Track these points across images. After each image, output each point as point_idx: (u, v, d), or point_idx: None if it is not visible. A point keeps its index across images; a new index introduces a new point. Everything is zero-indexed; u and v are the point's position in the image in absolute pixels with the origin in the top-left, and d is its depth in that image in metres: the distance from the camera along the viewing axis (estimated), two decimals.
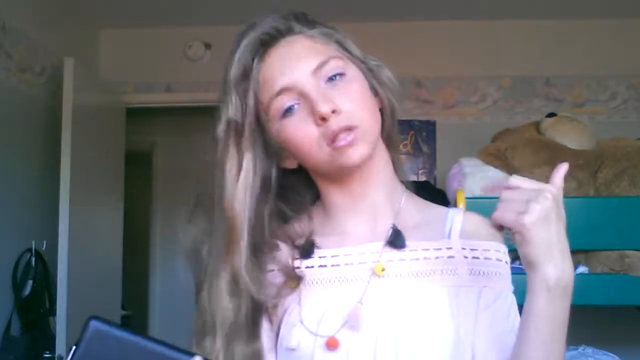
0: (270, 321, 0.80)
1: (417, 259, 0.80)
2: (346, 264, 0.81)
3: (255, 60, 0.78)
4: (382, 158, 0.84)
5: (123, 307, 3.45)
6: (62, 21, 2.96)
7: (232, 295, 0.76)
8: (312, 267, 0.82)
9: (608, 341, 2.25)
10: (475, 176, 2.05)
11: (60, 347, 2.38)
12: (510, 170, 2.16)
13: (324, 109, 0.74)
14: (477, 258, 0.81)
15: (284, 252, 0.83)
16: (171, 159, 4.46)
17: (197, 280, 0.81)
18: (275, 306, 0.80)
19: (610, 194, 2.06)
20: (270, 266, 0.80)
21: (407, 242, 0.81)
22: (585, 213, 1.97)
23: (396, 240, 0.81)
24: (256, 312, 0.78)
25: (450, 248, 0.81)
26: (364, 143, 0.77)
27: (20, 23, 2.60)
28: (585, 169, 2.13)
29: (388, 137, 0.86)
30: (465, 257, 0.81)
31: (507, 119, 3.09)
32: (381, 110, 0.85)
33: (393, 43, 3.16)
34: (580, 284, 2.07)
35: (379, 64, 0.87)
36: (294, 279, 0.79)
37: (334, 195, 0.85)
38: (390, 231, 0.81)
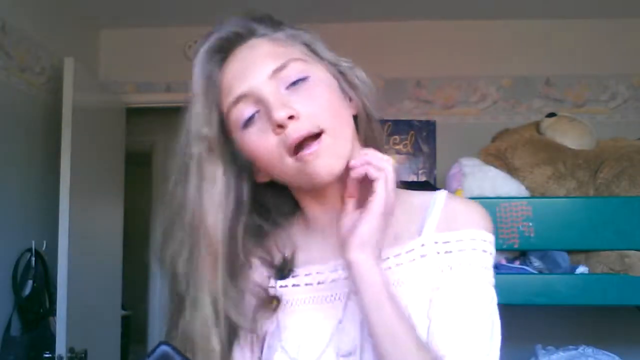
0: (252, 350, 0.75)
1: (389, 268, 0.74)
2: (319, 283, 0.76)
3: (215, 68, 0.73)
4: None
5: (123, 307, 3.45)
6: (62, 21, 2.96)
7: (213, 319, 0.71)
8: (286, 286, 0.78)
9: (608, 341, 2.25)
10: (475, 176, 2.05)
11: (60, 347, 2.38)
12: (510, 170, 2.16)
13: (280, 114, 0.67)
14: (450, 252, 0.75)
15: (261, 270, 0.79)
16: (171, 159, 4.44)
17: (173, 296, 0.76)
18: (253, 330, 0.74)
19: (610, 194, 2.06)
20: (247, 286, 0.76)
21: (383, 251, 0.73)
22: (585, 213, 1.97)
23: None
24: (232, 336, 0.73)
25: (424, 245, 0.75)
26: (332, 154, 0.70)
27: (21, 23, 2.60)
28: (585, 169, 2.13)
29: (367, 142, 0.78)
30: (437, 253, 0.75)
31: (507, 119, 3.09)
32: (356, 117, 0.78)
33: (393, 43, 3.16)
34: (580, 284, 2.07)
35: (350, 65, 0.79)
36: (271, 300, 0.76)
37: (313, 209, 0.79)
38: None
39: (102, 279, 2.88)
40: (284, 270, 0.78)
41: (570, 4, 3.02)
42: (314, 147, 0.68)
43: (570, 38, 3.15)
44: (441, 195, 0.80)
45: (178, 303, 0.73)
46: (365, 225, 0.68)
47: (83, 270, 2.57)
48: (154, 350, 0.57)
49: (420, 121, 3.17)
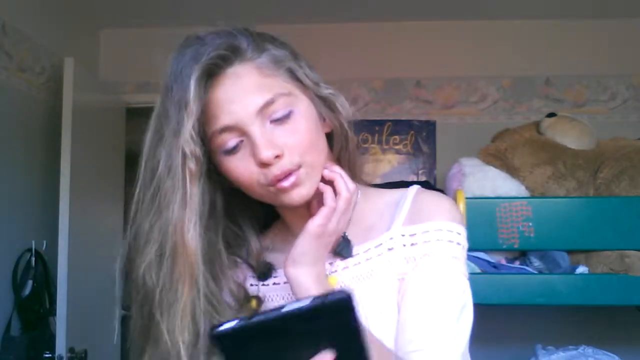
0: None
1: (359, 263, 0.80)
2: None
3: (200, 91, 0.72)
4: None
5: (123, 307, 3.45)
6: (62, 21, 2.96)
7: (191, 325, 0.72)
8: (267, 285, 0.82)
9: (608, 341, 2.25)
10: (475, 176, 2.06)
11: (60, 347, 2.38)
12: (510, 170, 2.16)
13: (267, 155, 0.72)
14: (415, 244, 0.78)
15: (240, 272, 0.82)
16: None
17: (139, 310, 0.79)
18: None
19: (610, 194, 2.06)
20: (226, 286, 0.78)
21: (355, 247, 0.80)
22: (585, 213, 1.97)
23: (343, 250, 0.80)
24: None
25: (392, 239, 0.79)
26: (307, 183, 0.75)
27: (20, 23, 2.60)
28: (585, 169, 2.13)
29: (340, 154, 0.83)
30: (404, 245, 0.78)
31: (507, 119, 3.09)
32: (330, 134, 0.81)
33: (393, 43, 3.16)
34: (580, 284, 2.07)
35: (333, 93, 0.81)
36: (249, 299, 0.78)
37: (290, 218, 0.85)
38: (341, 240, 0.80)
39: (102, 279, 2.87)
40: (264, 270, 0.82)
41: (570, 4, 3.02)
42: (292, 178, 0.74)
43: (570, 38, 3.15)
44: (412, 190, 0.84)
45: (147, 317, 0.75)
46: (299, 246, 0.75)
47: (83, 270, 2.56)
48: (333, 293, 0.53)
49: (420, 121, 3.17)
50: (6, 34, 2.50)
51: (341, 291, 0.53)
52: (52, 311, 2.50)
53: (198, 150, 0.72)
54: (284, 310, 0.53)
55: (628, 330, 2.57)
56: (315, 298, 0.52)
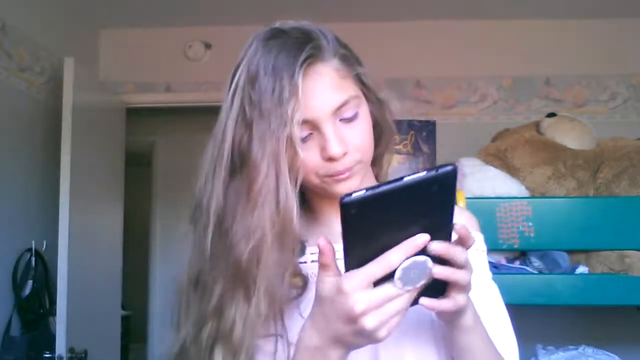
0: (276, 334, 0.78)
1: None
2: (339, 259, 0.80)
3: (294, 79, 0.75)
4: (368, 176, 0.88)
5: (123, 307, 3.45)
6: (62, 21, 2.96)
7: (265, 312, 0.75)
8: (305, 262, 0.84)
9: (608, 341, 2.25)
10: (475, 176, 2.06)
11: (60, 347, 2.38)
12: (510, 170, 2.17)
13: (337, 151, 0.77)
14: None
15: None
16: (171, 159, 4.45)
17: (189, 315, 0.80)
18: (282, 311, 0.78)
19: (610, 194, 2.06)
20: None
21: None
22: (585, 213, 1.97)
23: None
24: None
25: None
26: (358, 177, 0.81)
27: (20, 23, 2.60)
28: (585, 169, 2.13)
29: (378, 156, 0.90)
30: None
31: (507, 119, 3.09)
32: (379, 135, 0.89)
33: (393, 43, 3.16)
34: (580, 284, 2.07)
35: (388, 95, 0.90)
36: (296, 275, 0.79)
37: (321, 204, 0.89)
38: None
39: (102, 279, 2.88)
40: (301, 249, 0.84)
41: (570, 4, 3.02)
42: (349, 173, 0.80)
43: (570, 38, 3.15)
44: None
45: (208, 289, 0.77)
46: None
47: (83, 270, 2.57)
48: (441, 166, 0.59)
49: (420, 121, 3.17)
50: (6, 34, 2.50)
51: (448, 164, 0.59)
52: (52, 311, 2.50)
53: (284, 134, 0.75)
54: (406, 179, 0.58)
55: (628, 330, 2.57)
56: (428, 170, 0.58)
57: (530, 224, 1.92)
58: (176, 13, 3.15)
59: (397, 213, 0.60)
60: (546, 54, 3.14)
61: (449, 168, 0.59)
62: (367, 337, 0.64)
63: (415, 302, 0.64)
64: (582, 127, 2.31)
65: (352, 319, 0.63)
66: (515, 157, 2.20)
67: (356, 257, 0.62)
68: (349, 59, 0.82)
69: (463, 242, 0.65)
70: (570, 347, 2.12)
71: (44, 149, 2.73)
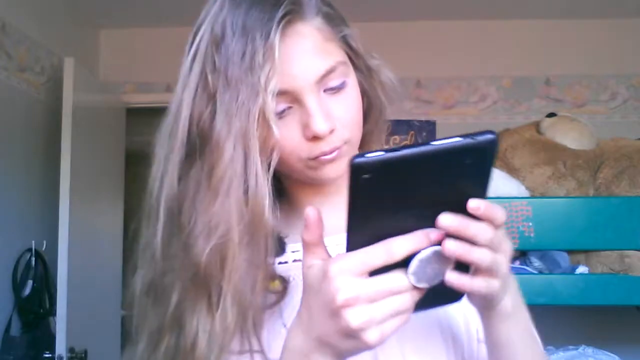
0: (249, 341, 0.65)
1: None
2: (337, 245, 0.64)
3: (269, 40, 0.61)
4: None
5: (123, 307, 3.45)
6: (62, 21, 2.96)
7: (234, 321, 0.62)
8: (286, 262, 0.70)
9: (608, 341, 2.25)
10: None
11: (60, 347, 2.38)
12: (510, 170, 2.17)
13: (323, 128, 0.63)
14: None
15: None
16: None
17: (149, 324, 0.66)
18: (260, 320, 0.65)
19: (610, 194, 2.06)
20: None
21: None
22: (585, 213, 1.97)
23: None
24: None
25: None
26: (345, 158, 0.65)
27: (20, 23, 2.60)
28: (585, 169, 2.13)
29: (367, 134, 0.74)
30: None
31: (507, 119, 3.09)
32: (367, 110, 0.73)
33: (393, 43, 3.16)
34: (580, 284, 2.07)
35: (379, 62, 0.75)
36: (273, 278, 0.67)
37: (302, 193, 0.74)
38: None
39: (102, 279, 2.88)
40: (280, 247, 0.70)
41: (570, 4, 3.02)
42: (334, 153, 0.66)
43: (570, 38, 3.16)
44: None
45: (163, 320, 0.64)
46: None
47: (83, 270, 2.57)
48: (480, 133, 0.46)
49: (420, 121, 3.17)
50: (6, 34, 2.50)
51: (488, 131, 0.47)
52: (52, 311, 2.50)
53: (261, 106, 0.61)
54: (434, 144, 0.46)
55: (628, 330, 2.57)
56: (464, 136, 0.46)
57: (530, 224, 1.92)
58: (176, 13, 3.15)
59: (418, 186, 0.48)
60: (546, 54, 3.15)
61: (490, 136, 0.46)
62: (355, 339, 0.49)
63: (422, 305, 0.51)
64: (582, 127, 2.31)
65: (333, 311, 0.49)
66: (515, 157, 2.20)
67: (361, 237, 0.49)
68: (334, 19, 0.68)
69: (490, 218, 0.49)
70: (570, 347, 2.12)
71: (44, 149, 2.73)
